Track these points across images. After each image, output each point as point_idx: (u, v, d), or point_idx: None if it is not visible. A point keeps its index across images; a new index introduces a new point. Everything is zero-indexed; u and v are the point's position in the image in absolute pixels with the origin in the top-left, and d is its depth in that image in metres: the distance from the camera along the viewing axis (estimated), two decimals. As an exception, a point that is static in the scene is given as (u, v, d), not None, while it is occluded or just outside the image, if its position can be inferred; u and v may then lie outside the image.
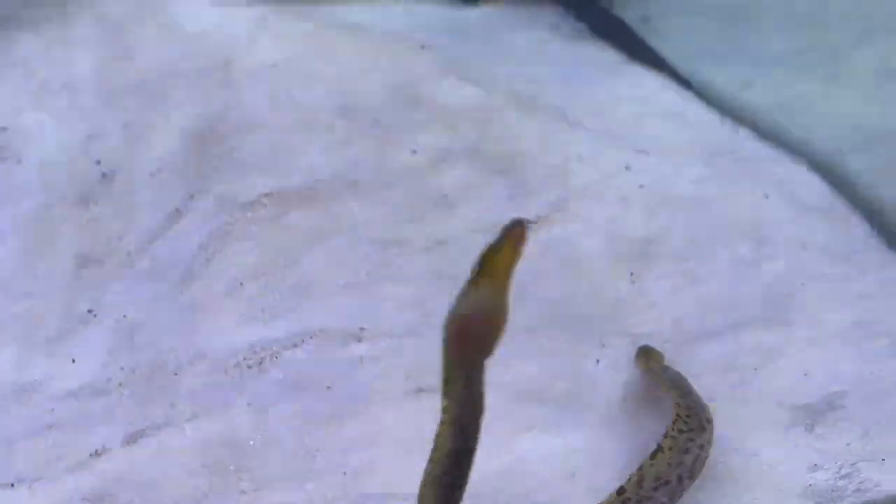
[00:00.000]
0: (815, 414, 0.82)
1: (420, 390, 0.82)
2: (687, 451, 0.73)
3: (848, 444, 0.79)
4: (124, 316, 0.87)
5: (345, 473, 0.76)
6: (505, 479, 0.76)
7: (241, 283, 0.90)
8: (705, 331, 0.92)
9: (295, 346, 0.85)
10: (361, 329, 0.87)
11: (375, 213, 0.97)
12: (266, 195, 0.97)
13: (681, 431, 0.74)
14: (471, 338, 0.74)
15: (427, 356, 0.85)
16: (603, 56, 1.28)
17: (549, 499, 0.75)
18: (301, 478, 0.75)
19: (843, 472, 0.77)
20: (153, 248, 0.92)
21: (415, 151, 1.05)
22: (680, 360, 0.88)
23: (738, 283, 0.96)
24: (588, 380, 0.85)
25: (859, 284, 0.96)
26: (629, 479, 0.70)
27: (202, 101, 1.05)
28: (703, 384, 0.86)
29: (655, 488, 0.71)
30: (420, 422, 0.81)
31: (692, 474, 0.73)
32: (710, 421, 0.78)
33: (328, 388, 0.82)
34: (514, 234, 0.73)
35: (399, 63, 1.13)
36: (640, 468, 0.71)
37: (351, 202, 0.98)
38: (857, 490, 0.77)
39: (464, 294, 0.74)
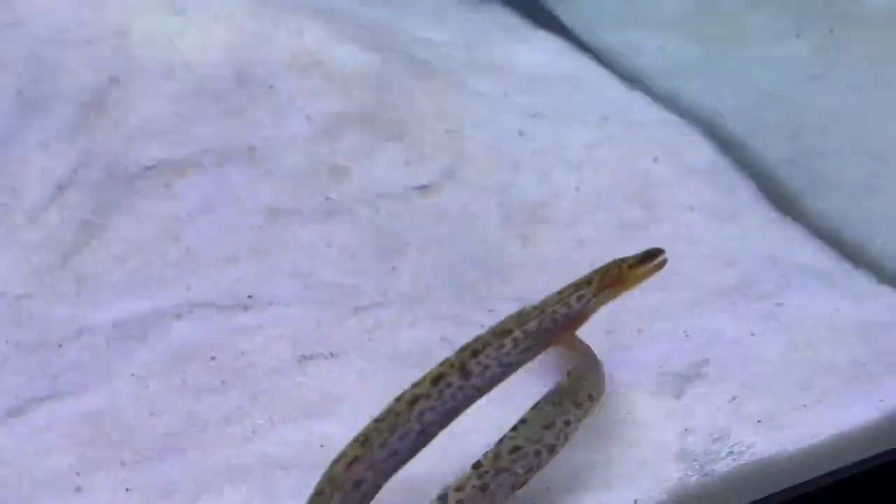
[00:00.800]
0: (690, 376, 0.82)
1: (304, 358, 0.81)
2: (551, 425, 0.72)
3: (718, 409, 0.78)
4: (10, 289, 0.85)
5: (226, 443, 0.74)
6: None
7: (127, 255, 0.88)
8: (593, 293, 0.92)
9: (179, 316, 0.83)
10: (249, 298, 0.85)
11: (265, 183, 0.95)
12: (154, 166, 0.94)
13: (553, 405, 0.72)
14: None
15: (312, 324, 0.84)
16: (505, 21, 1.26)
17: (428, 468, 0.74)
18: (183, 448, 0.73)
19: (715, 435, 0.77)
20: (41, 221, 0.90)
21: (309, 118, 1.03)
22: (572, 322, 0.87)
23: (625, 246, 0.95)
24: (438, 357, 0.83)
25: (741, 245, 0.95)
26: (486, 453, 0.69)
27: (95, 69, 1.02)
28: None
29: (514, 461, 0.69)
30: (302, 388, 0.80)
31: (553, 448, 0.72)
32: (592, 398, 0.76)
33: (212, 358, 0.80)
34: (654, 260, 0.78)
35: (298, 29, 1.11)
36: (501, 441, 0.70)
37: (240, 172, 0.95)
38: (731, 453, 0.76)
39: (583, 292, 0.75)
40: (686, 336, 0.86)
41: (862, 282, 0.91)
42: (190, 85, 1.03)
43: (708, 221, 0.97)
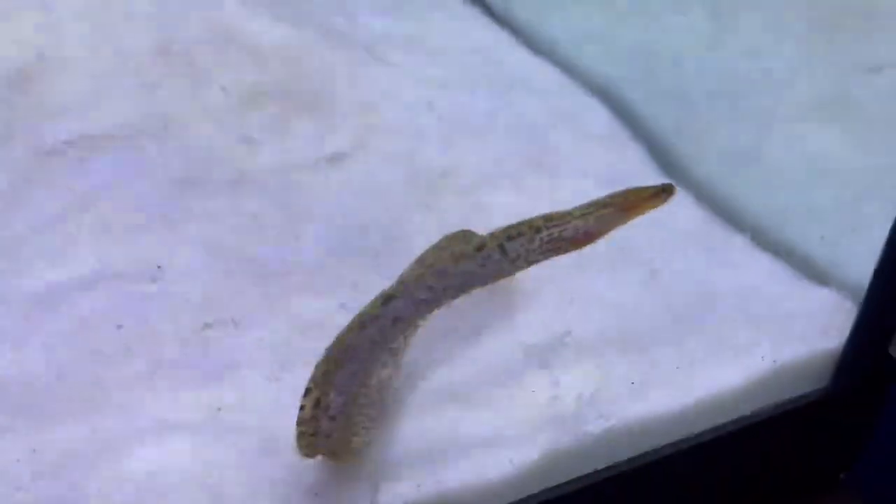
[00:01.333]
0: (567, 341, 0.85)
1: (207, 326, 0.84)
2: (460, 258, 0.71)
3: (590, 372, 0.82)
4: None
5: (129, 407, 0.78)
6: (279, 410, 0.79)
7: (43, 227, 0.90)
8: (489, 257, 0.95)
9: (90, 286, 0.86)
10: (158, 268, 0.88)
11: (178, 155, 0.98)
12: (71, 140, 0.97)
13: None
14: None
15: (217, 293, 0.87)
16: (427, -9, 1.28)
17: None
18: (86, 413, 0.76)
19: (586, 399, 0.81)
20: (-41, 196, 0.93)
21: (226, 90, 1.06)
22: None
23: (522, 211, 0.98)
24: (337, 324, 0.87)
25: (630, 211, 0.99)
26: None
27: (18, 43, 1.04)
28: (480, 311, 0.89)
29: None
30: (204, 355, 0.83)
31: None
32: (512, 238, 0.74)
33: (119, 326, 0.83)
34: (667, 194, 0.77)
35: (218, 2, 1.13)
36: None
37: (154, 145, 0.98)
38: (601, 416, 0.80)
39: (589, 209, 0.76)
40: (570, 301, 0.89)
41: (739, 247, 0.95)
42: (111, 60, 1.06)
43: (599, 187, 0.99)
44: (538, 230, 0.75)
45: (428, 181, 1.01)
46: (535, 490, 0.78)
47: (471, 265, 0.73)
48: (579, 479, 0.80)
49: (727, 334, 0.87)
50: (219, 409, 0.78)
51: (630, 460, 0.81)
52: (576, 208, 0.77)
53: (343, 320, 0.86)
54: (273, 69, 1.07)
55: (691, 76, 1.07)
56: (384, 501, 0.73)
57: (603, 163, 1.03)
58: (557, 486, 0.79)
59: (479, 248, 0.73)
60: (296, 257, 0.91)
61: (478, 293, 0.84)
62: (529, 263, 0.75)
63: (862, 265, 0.86)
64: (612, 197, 0.78)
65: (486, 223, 0.96)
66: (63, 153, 0.96)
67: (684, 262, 0.93)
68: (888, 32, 1.11)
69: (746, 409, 0.85)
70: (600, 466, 0.80)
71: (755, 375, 0.84)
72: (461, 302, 0.84)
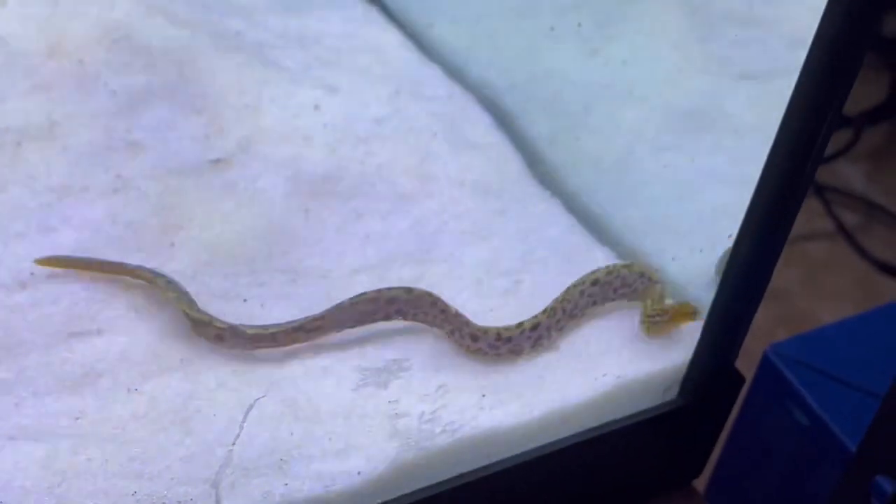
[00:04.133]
0: (414, 353, 0.87)
1: (73, 335, 0.85)
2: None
3: (435, 384, 0.84)
4: None
5: (-11, 416, 0.80)
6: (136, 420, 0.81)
7: (-85, 237, 0.91)
8: (362, 265, 0.96)
9: (-40, 294, 0.87)
10: (31, 275, 0.89)
11: (60, 160, 0.98)
12: (-47, 146, 0.98)
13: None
14: None
15: (86, 302, 0.88)
16: (327, -12, 1.28)
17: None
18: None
19: (427, 417, 0.83)
20: None
21: (114, 93, 1.06)
22: (337, 294, 0.91)
23: (397, 219, 1.00)
24: (231, 320, 0.88)
25: (500, 220, 1.00)
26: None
27: None
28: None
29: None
30: (66, 364, 0.83)
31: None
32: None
33: (-14, 335, 0.85)
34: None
35: (110, 3, 1.13)
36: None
37: (37, 149, 0.98)
38: (445, 431, 0.82)
39: None
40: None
41: (600, 258, 0.96)
42: (1, 59, 1.06)
43: (474, 196, 1.02)
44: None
45: (309, 186, 1.02)
46: (381, 500, 0.80)
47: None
48: (426, 488, 0.82)
49: (578, 348, 0.89)
50: (76, 419, 0.80)
51: (475, 471, 0.83)
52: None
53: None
54: (163, 70, 1.08)
55: (570, 85, 1.08)
56: (227, 511, 0.75)
57: (480, 172, 1.04)
58: (403, 496, 0.81)
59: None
60: (167, 266, 0.92)
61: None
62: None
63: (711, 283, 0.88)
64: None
65: (361, 231, 0.99)
66: (-56, 157, 0.97)
67: (547, 272, 0.94)
68: (765, 41, 1.13)
69: (597, 421, 0.88)
70: (449, 476, 0.82)
71: (601, 389, 0.87)
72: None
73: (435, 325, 0.88)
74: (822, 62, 0.73)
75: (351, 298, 0.87)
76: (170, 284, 0.88)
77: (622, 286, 0.91)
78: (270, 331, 0.85)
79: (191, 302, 0.87)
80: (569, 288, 0.90)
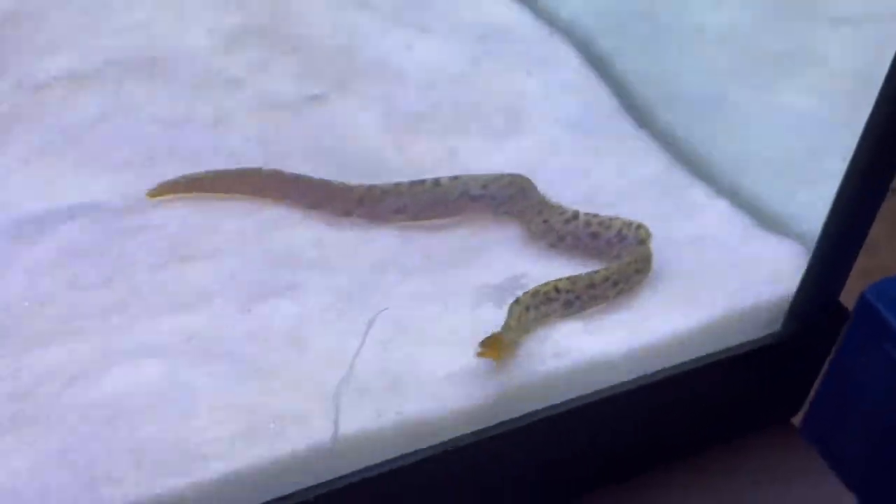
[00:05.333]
0: (518, 285, 0.86)
1: (183, 258, 0.85)
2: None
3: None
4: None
5: (105, 332, 0.80)
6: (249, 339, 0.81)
7: (28, 161, 0.92)
8: (460, 199, 0.96)
9: (73, 217, 0.87)
10: (137, 201, 0.90)
11: (163, 94, 0.99)
12: (58, 77, 0.98)
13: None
14: None
15: (194, 226, 0.89)
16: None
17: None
18: (65, 337, 0.78)
19: (539, 338, 0.82)
20: (-50, 129, 0.94)
21: (211, 31, 1.07)
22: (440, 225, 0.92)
23: (492, 156, 1.00)
24: (338, 247, 0.89)
25: (595, 157, 1.00)
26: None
27: (11, -18, 1.05)
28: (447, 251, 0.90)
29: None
30: (178, 285, 0.84)
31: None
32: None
33: (99, 256, 0.85)
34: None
35: (205, -56, 1.13)
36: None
37: (139, 83, 0.99)
38: (555, 355, 0.82)
39: None
40: (524, 244, 0.91)
41: (700, 194, 0.95)
42: (101, -1, 1.06)
43: (569, 134, 1.01)
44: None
45: (403, 123, 1.02)
46: (492, 423, 0.80)
47: None
48: (535, 412, 0.82)
49: (682, 278, 0.89)
50: (190, 338, 0.80)
51: (580, 398, 0.82)
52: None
53: (315, 255, 0.88)
54: (256, 12, 1.08)
55: (662, 27, 1.07)
56: (345, 429, 0.75)
57: (574, 110, 1.03)
58: (513, 420, 0.81)
59: None
60: (272, 196, 0.92)
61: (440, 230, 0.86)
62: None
63: (819, 216, 0.87)
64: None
65: (457, 166, 0.98)
66: (51, 89, 0.98)
67: (645, 207, 0.94)
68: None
69: (700, 352, 0.87)
70: (553, 403, 0.82)
71: (709, 319, 0.86)
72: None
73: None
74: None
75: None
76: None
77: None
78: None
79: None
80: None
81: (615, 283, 0.85)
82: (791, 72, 1.04)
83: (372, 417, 0.77)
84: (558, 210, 0.90)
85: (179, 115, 0.97)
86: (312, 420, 0.76)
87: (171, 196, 0.90)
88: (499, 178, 0.92)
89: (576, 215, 0.90)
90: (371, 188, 0.90)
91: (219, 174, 0.91)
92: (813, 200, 0.90)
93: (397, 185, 0.91)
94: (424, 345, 0.81)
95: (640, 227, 0.88)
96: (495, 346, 0.78)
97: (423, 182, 0.91)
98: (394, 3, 1.14)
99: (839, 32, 1.08)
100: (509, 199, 0.91)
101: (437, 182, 0.91)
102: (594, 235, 0.89)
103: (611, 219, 0.89)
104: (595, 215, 0.90)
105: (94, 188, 0.90)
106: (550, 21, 1.14)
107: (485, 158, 0.99)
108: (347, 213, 0.91)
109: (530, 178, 0.95)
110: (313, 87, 1.04)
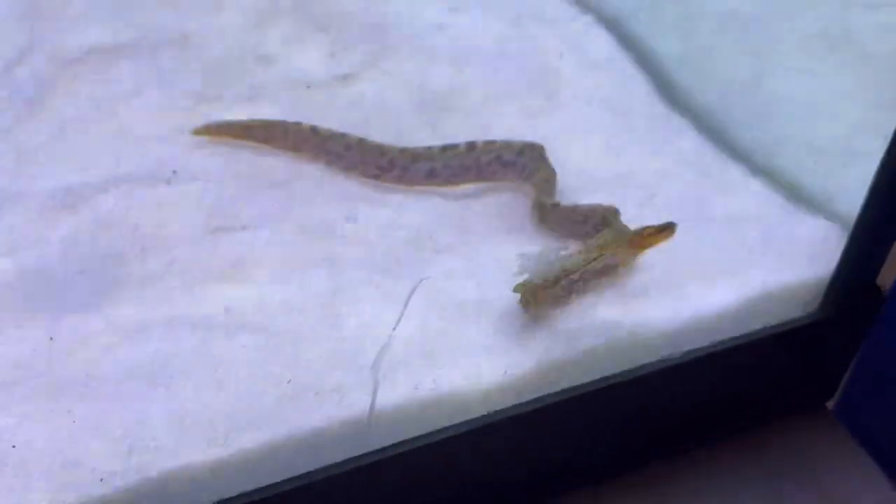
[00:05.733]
0: (557, 257, 0.85)
1: (218, 229, 0.85)
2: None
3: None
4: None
5: (141, 302, 0.79)
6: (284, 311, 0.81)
7: (65, 132, 0.91)
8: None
9: (108, 189, 0.86)
10: (173, 172, 0.89)
11: (195, 68, 0.98)
12: (92, 51, 0.98)
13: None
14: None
15: (228, 199, 0.88)
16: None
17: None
18: (101, 305, 0.77)
19: (578, 313, 0.82)
20: (-14, 99, 0.93)
21: (243, 9, 1.06)
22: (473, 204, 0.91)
23: (525, 134, 0.99)
24: (372, 221, 0.88)
25: (630, 137, 0.99)
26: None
27: (44, -44, 1.05)
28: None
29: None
30: (213, 256, 0.84)
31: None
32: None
33: (135, 226, 0.84)
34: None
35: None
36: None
37: (172, 58, 0.99)
38: (593, 330, 0.81)
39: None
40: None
41: (736, 174, 0.95)
42: (132, -27, 1.06)
43: (602, 113, 1.01)
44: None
45: (435, 102, 1.01)
46: (528, 398, 0.79)
47: None
48: (572, 388, 0.81)
49: (719, 257, 0.88)
50: (227, 309, 0.80)
51: (620, 374, 0.82)
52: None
53: (348, 229, 0.88)
54: (289, -11, 1.07)
55: (696, 8, 1.07)
56: (380, 402, 0.74)
57: (607, 90, 1.03)
58: (550, 395, 0.80)
59: None
60: (304, 168, 0.92)
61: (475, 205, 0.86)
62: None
63: (854, 196, 0.86)
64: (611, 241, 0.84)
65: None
66: (84, 62, 0.97)
67: (681, 186, 0.93)
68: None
69: (736, 331, 0.86)
70: (591, 379, 0.82)
71: (745, 298, 0.85)
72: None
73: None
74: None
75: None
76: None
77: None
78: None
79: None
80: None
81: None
82: (826, 54, 1.03)
83: (409, 391, 0.76)
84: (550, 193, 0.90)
85: (211, 91, 0.97)
86: (349, 392, 0.75)
87: (214, 137, 0.92)
88: (532, 146, 0.92)
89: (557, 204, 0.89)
90: (404, 150, 0.91)
91: (264, 123, 0.92)
92: (850, 181, 0.90)
93: (429, 148, 0.91)
94: (460, 318, 0.81)
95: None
96: (534, 295, 0.79)
97: (456, 146, 0.91)
98: (426, -19, 1.13)
99: (874, 16, 1.07)
100: (536, 170, 0.91)
101: (471, 146, 0.91)
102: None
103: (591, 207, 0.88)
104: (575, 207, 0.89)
105: (129, 160, 0.90)
106: (582, 2, 1.13)
107: (518, 137, 0.98)
108: (377, 176, 0.91)
109: (559, 157, 0.94)
110: (345, 65, 1.03)
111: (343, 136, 0.92)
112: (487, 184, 0.92)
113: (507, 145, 0.91)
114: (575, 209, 0.87)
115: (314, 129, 0.92)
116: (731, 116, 0.99)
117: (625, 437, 0.86)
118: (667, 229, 0.84)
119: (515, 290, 0.79)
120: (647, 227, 0.84)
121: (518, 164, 0.91)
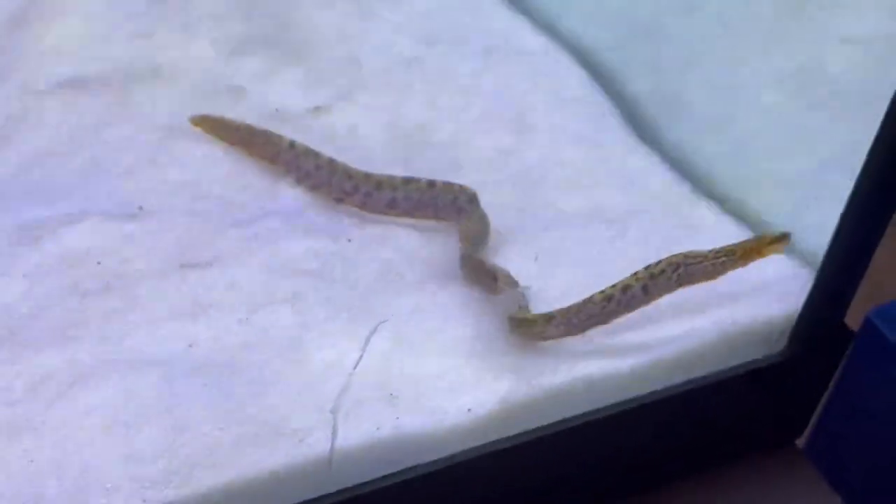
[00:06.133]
0: (530, 296, 0.85)
1: (183, 265, 0.84)
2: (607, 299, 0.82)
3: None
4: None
5: (103, 339, 0.79)
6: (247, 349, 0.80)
7: (34, 164, 0.91)
8: (462, 212, 0.95)
9: (73, 223, 0.86)
10: (139, 209, 0.89)
11: (166, 101, 0.98)
12: (63, 82, 0.98)
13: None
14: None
15: (195, 235, 0.88)
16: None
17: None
18: (63, 343, 0.77)
19: (541, 351, 0.82)
20: (-47, 132, 0.93)
21: (215, 40, 1.06)
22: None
23: (497, 168, 0.99)
24: (339, 258, 0.88)
25: (602, 171, 0.99)
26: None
27: (16, -14, 1.05)
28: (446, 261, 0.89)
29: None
30: (177, 292, 0.83)
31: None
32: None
33: (98, 262, 0.84)
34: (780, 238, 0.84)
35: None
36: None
37: (143, 90, 0.98)
38: (556, 371, 0.80)
39: None
40: (535, 259, 0.90)
41: (706, 211, 0.94)
42: (105, 5, 1.06)
43: (574, 147, 1.01)
44: (677, 267, 0.82)
45: (407, 135, 1.01)
46: (491, 439, 0.79)
47: (613, 305, 0.81)
48: (536, 429, 0.81)
49: (687, 295, 0.87)
50: (189, 346, 0.79)
51: (582, 415, 0.81)
52: (710, 252, 0.83)
53: (314, 266, 0.87)
54: (262, 21, 1.07)
55: (668, 43, 1.07)
56: (341, 443, 0.74)
57: (578, 124, 1.03)
58: (513, 437, 0.80)
59: (625, 289, 0.81)
60: (273, 203, 0.91)
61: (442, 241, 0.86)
62: (661, 295, 0.83)
63: (823, 235, 0.86)
64: (740, 244, 0.84)
65: (462, 179, 0.97)
66: (55, 95, 0.97)
67: (651, 223, 0.93)
68: (863, 6, 1.11)
69: (703, 370, 0.86)
70: (555, 419, 0.81)
71: (713, 337, 0.85)
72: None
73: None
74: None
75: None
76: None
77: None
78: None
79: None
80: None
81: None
82: (799, 89, 1.03)
83: (371, 431, 0.76)
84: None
85: (182, 123, 0.96)
86: (311, 432, 0.75)
87: (206, 131, 0.95)
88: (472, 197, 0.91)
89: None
90: (369, 176, 0.91)
91: (251, 128, 0.95)
92: (819, 219, 0.89)
93: (391, 177, 0.91)
94: (425, 357, 0.80)
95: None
96: (528, 323, 0.80)
97: (418, 180, 0.91)
98: (400, 13, 1.13)
99: (848, 51, 1.07)
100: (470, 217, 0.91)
101: (431, 184, 0.91)
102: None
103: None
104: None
105: (96, 195, 0.89)
106: (555, 35, 1.13)
107: (489, 172, 0.98)
108: (341, 200, 0.92)
109: (530, 192, 0.95)
110: (317, 98, 1.03)
111: (317, 154, 0.93)
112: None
113: (463, 189, 0.91)
114: (484, 264, 0.86)
115: (292, 144, 0.94)
116: (702, 152, 0.99)
117: (591, 477, 0.86)
118: (783, 239, 0.84)
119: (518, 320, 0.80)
120: (764, 236, 0.84)
121: (471, 211, 0.91)
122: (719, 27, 1.06)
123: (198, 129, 0.95)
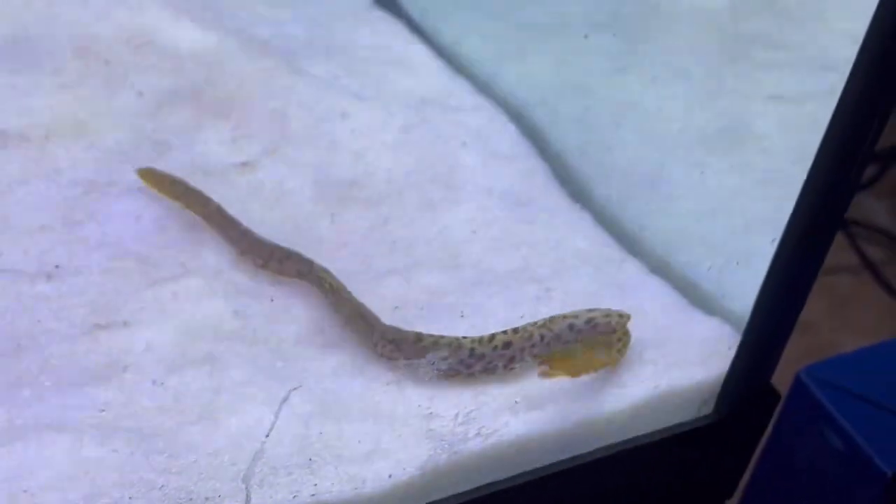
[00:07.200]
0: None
1: (97, 327, 0.83)
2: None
3: (461, 394, 0.82)
4: None
5: (12, 403, 0.76)
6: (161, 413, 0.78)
7: (-58, 223, 0.90)
8: (389, 269, 0.94)
9: (-15, 283, 0.85)
10: (55, 267, 0.87)
11: (87, 156, 0.96)
12: (-21, 138, 0.96)
13: None
14: None
15: (111, 295, 0.86)
16: (350, 1, 1.28)
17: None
18: (-34, 411, 0.76)
19: (461, 419, 0.81)
20: None
21: (141, 94, 1.05)
22: (365, 295, 0.89)
23: (424, 226, 0.98)
24: (259, 318, 0.87)
25: (529, 229, 0.98)
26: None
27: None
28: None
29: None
30: (90, 354, 0.81)
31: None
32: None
33: (10, 323, 0.81)
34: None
35: (139, 5, 1.12)
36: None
37: (64, 145, 0.97)
38: (479, 434, 0.80)
39: None
40: (462, 316, 0.89)
41: (632, 271, 0.94)
42: (28, 57, 1.04)
43: (503, 205, 1.00)
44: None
45: (335, 191, 1.00)
46: (412, 504, 0.78)
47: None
48: (458, 495, 0.79)
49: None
50: (102, 411, 0.77)
51: (505, 480, 0.80)
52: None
53: (233, 327, 0.86)
54: (190, 74, 1.06)
55: (599, 101, 1.07)
56: (256, 510, 0.72)
57: (508, 182, 1.02)
58: (435, 502, 0.79)
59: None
60: (192, 262, 0.90)
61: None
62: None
63: (748, 296, 0.86)
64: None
65: (388, 236, 0.97)
66: (-30, 149, 0.95)
67: (578, 282, 0.93)
68: (793, 64, 1.12)
69: (628, 433, 0.85)
70: (478, 484, 0.80)
71: (638, 400, 0.84)
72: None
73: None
74: (862, 91, 0.71)
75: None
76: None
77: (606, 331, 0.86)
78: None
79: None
80: (553, 317, 0.85)
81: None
82: (728, 147, 1.04)
83: (286, 499, 0.74)
84: None
85: (102, 179, 0.95)
86: (224, 500, 0.73)
87: (151, 185, 0.95)
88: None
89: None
90: (277, 248, 0.90)
91: (188, 188, 0.94)
92: (744, 279, 0.90)
93: (297, 252, 0.90)
94: (345, 421, 0.79)
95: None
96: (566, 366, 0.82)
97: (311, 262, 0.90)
98: (330, 69, 1.13)
99: (775, 110, 1.08)
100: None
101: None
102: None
103: None
104: None
105: (10, 252, 0.87)
106: (487, 92, 1.13)
107: (418, 228, 0.97)
108: (263, 266, 0.91)
109: (458, 249, 0.94)
110: (245, 153, 1.02)
111: (237, 223, 0.92)
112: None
113: (326, 272, 0.90)
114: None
115: (220, 210, 0.93)
116: (630, 210, 0.99)
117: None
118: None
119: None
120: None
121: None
122: (649, 86, 1.07)
123: (145, 183, 0.95)
